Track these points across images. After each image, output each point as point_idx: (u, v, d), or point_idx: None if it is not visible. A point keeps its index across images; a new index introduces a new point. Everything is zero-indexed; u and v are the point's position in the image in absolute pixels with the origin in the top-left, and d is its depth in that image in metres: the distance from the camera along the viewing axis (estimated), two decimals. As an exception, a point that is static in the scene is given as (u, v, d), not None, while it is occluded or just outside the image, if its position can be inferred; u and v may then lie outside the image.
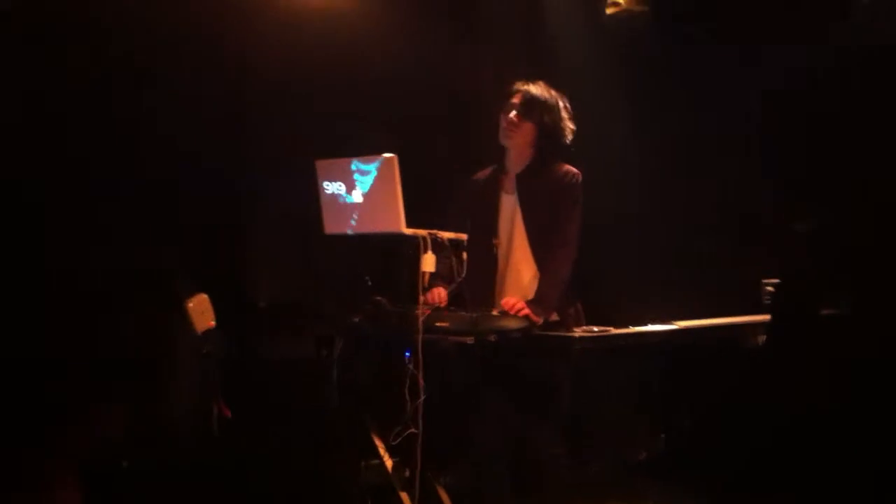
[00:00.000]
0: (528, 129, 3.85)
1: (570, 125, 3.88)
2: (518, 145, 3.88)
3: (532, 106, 3.83)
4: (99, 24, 4.34)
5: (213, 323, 3.68)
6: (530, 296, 3.71)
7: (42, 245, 4.24)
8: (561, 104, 3.88)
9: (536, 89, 3.87)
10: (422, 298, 3.53)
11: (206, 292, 3.77)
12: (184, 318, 3.57)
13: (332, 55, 4.98)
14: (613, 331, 3.53)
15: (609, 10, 5.04)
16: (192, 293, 3.66)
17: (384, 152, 3.56)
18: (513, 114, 3.86)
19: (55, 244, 4.28)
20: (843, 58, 4.62)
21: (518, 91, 3.88)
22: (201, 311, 3.62)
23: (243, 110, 5.01)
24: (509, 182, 3.92)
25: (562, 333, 3.56)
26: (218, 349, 3.64)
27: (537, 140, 3.86)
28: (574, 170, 3.84)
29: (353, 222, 3.72)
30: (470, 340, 3.48)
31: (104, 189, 4.46)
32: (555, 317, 3.73)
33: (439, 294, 3.77)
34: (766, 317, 3.58)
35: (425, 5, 5.17)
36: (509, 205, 3.89)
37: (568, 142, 3.88)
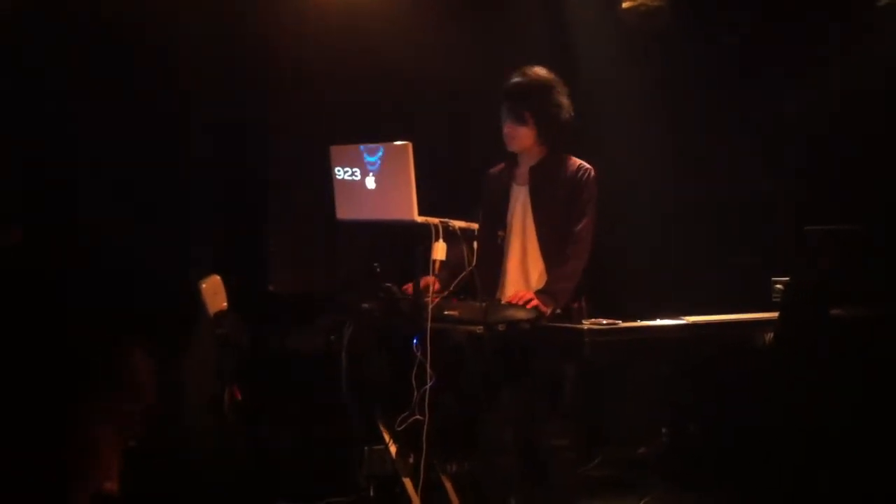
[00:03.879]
0: (525, 133, 3.79)
1: (565, 101, 3.79)
2: (524, 147, 3.85)
3: (520, 109, 3.75)
4: (120, 19, 4.36)
5: (225, 305, 3.69)
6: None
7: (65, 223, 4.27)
8: (552, 85, 3.78)
9: (521, 85, 3.77)
10: (419, 283, 3.55)
11: (220, 277, 3.78)
12: (197, 299, 3.58)
13: (355, 46, 5.00)
14: (622, 324, 3.54)
15: (625, 5, 5.02)
16: (205, 275, 3.67)
17: (400, 140, 3.57)
18: (507, 125, 3.80)
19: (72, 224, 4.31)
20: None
21: (505, 97, 3.80)
22: (213, 292, 3.63)
23: (263, 99, 5.03)
24: (521, 174, 3.90)
25: (571, 325, 3.57)
26: (231, 332, 3.65)
27: (542, 134, 3.81)
28: (587, 165, 3.80)
29: (365, 209, 3.73)
30: (479, 330, 3.49)
31: (126, 173, 4.49)
32: (558, 311, 3.73)
33: (429, 281, 3.74)
34: (775, 314, 3.58)
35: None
36: (520, 196, 3.87)
37: (569, 116, 3.81)
